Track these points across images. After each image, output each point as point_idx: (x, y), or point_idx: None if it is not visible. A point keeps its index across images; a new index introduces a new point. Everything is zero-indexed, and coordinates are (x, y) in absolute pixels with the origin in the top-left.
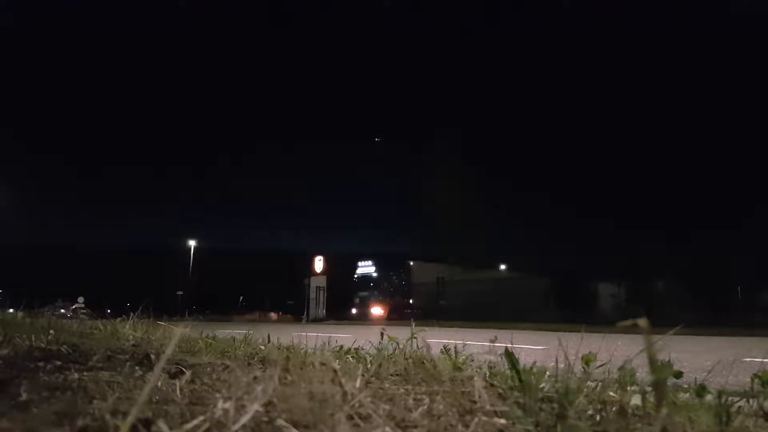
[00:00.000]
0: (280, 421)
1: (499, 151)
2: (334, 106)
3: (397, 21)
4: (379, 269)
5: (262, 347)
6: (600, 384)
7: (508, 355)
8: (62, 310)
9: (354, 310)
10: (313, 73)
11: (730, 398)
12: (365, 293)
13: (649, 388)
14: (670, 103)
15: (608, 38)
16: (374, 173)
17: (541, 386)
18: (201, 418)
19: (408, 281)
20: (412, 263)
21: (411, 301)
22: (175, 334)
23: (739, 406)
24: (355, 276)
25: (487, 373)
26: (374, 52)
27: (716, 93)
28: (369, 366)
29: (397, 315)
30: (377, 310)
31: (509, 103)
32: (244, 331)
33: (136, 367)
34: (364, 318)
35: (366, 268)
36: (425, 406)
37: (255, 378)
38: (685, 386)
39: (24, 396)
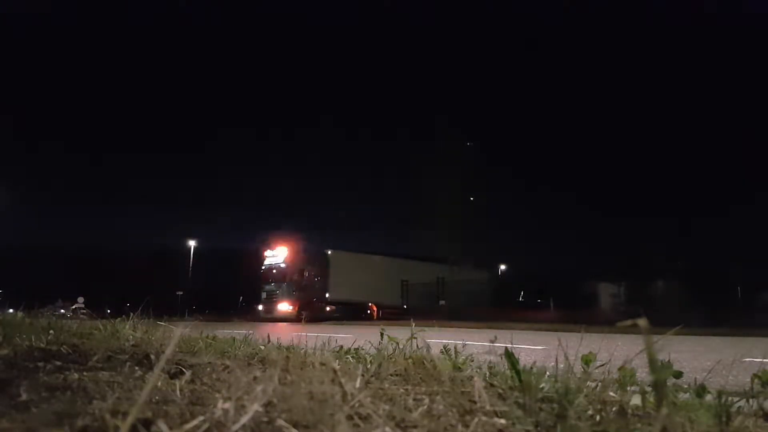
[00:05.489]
0: (280, 421)
1: (498, 151)
2: (335, 105)
3: (395, 15)
4: (294, 259)
5: (262, 347)
6: (600, 384)
7: (508, 355)
8: (62, 310)
9: (260, 307)
10: (312, 72)
11: (730, 398)
12: (272, 287)
13: (649, 388)
14: (672, 98)
15: (618, 32)
16: (374, 173)
17: (540, 386)
18: (201, 418)
19: (325, 274)
20: (330, 252)
21: (327, 296)
22: (175, 334)
23: (739, 406)
24: (262, 267)
25: (487, 373)
26: (373, 49)
27: (714, 92)
28: (369, 366)
29: (309, 312)
30: (285, 307)
31: (508, 104)
32: (244, 331)
33: (136, 367)
34: (269, 315)
35: (273, 258)
36: (425, 406)
37: (255, 378)
38: (685, 386)
39: (24, 396)
